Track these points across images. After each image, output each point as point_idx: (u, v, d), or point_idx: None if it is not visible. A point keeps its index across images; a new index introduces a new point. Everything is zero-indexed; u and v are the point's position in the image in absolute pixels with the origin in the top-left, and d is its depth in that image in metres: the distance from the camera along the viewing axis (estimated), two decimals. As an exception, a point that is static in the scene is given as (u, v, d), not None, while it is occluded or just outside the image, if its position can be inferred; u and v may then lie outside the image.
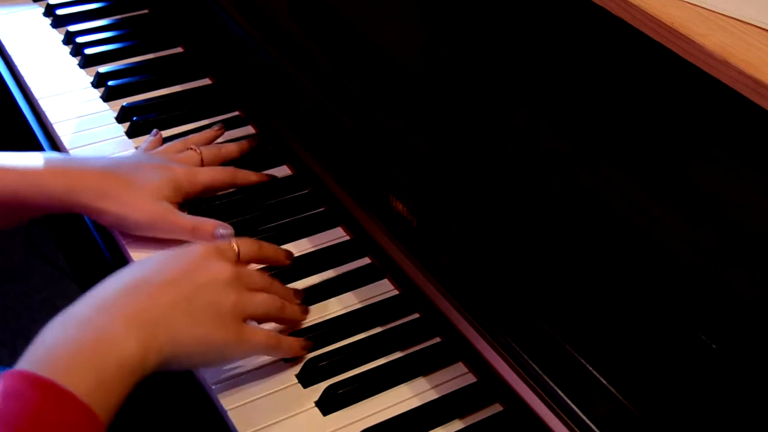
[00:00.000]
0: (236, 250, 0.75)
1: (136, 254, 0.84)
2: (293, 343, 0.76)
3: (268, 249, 0.80)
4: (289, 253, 0.82)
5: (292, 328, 0.79)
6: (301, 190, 0.93)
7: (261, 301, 0.73)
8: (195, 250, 0.73)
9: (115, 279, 0.69)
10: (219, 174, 0.89)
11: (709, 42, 0.62)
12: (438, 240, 0.75)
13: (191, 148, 0.91)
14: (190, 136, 0.95)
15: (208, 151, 0.91)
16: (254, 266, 0.80)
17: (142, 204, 0.83)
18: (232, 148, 0.94)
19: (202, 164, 0.90)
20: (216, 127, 0.96)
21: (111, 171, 0.84)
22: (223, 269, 0.71)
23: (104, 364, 0.62)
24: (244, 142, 0.95)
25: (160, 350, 0.66)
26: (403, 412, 0.73)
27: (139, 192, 0.83)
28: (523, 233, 0.70)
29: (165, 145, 0.93)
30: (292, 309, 0.77)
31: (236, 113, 1.02)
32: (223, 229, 0.83)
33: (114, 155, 0.96)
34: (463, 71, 0.80)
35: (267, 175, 0.93)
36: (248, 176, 0.91)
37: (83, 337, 0.63)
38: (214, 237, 0.83)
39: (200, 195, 0.88)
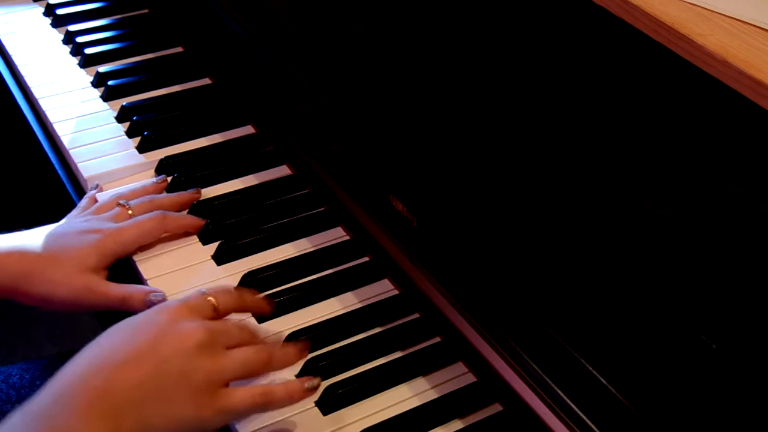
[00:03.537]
0: (213, 303, 0.69)
1: (140, 257, 0.85)
2: (291, 389, 0.68)
3: (248, 298, 0.74)
4: (270, 301, 0.76)
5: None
6: (301, 190, 0.93)
7: (241, 359, 0.66)
8: (162, 313, 0.66)
9: (78, 359, 0.63)
10: (146, 225, 0.83)
11: (709, 42, 0.62)
12: (438, 240, 0.75)
13: (120, 204, 0.85)
14: (123, 190, 0.89)
15: (138, 207, 0.85)
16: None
17: (68, 279, 0.77)
18: (167, 202, 0.87)
19: None
20: (158, 180, 0.91)
21: (31, 248, 0.79)
22: (194, 332, 0.64)
23: None
24: (184, 194, 0.89)
25: None
26: (403, 412, 0.73)
27: (63, 267, 0.78)
28: (523, 233, 0.70)
29: (95, 206, 0.87)
30: (283, 355, 0.70)
31: (236, 113, 1.02)
32: (154, 295, 0.78)
33: (115, 154, 0.96)
34: (464, 70, 0.80)
35: (201, 219, 0.87)
36: (179, 221, 0.86)
37: None
38: (145, 305, 0.78)
39: (134, 252, 0.84)
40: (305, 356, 0.73)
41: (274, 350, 0.69)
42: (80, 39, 1.12)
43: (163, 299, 0.79)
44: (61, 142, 0.97)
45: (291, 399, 0.68)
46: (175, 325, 0.65)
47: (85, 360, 0.63)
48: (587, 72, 0.73)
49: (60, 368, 0.63)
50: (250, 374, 0.68)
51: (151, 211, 0.85)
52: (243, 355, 0.66)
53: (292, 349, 0.71)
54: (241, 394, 0.65)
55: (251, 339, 0.69)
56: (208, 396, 0.63)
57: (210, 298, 0.69)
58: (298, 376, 0.75)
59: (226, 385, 0.65)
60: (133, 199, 0.87)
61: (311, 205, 0.91)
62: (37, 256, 0.79)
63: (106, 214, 0.85)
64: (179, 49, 1.13)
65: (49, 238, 0.81)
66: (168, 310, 0.66)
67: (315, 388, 0.69)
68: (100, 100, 1.04)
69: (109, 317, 0.90)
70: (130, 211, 0.85)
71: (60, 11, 1.16)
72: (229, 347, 0.66)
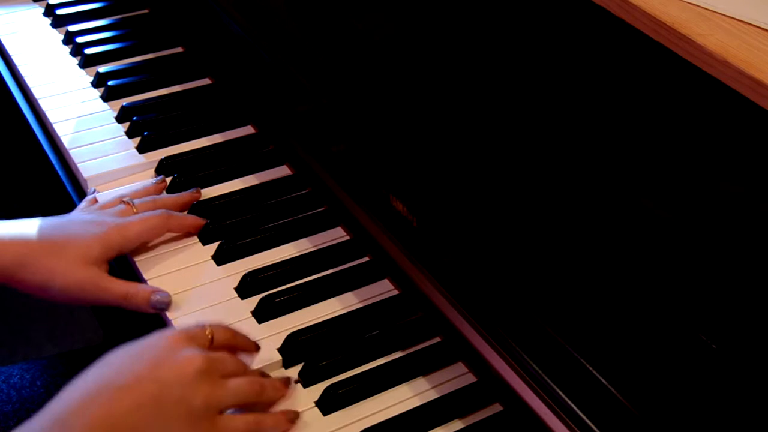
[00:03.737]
0: (209, 336, 0.70)
1: (140, 258, 0.85)
2: (278, 418, 0.70)
3: (241, 338, 0.74)
4: (257, 345, 0.76)
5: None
6: (301, 190, 0.93)
7: (236, 388, 0.68)
8: (162, 339, 0.67)
9: (78, 383, 0.63)
10: (151, 222, 0.83)
11: (709, 42, 0.62)
12: (438, 240, 0.75)
13: (124, 202, 0.85)
14: (124, 190, 0.90)
15: (142, 205, 0.85)
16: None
17: (69, 269, 0.77)
18: (169, 202, 0.88)
19: None
20: (157, 180, 0.91)
21: (32, 237, 0.78)
22: (193, 359, 0.65)
23: None
24: (185, 194, 0.90)
25: None
26: (403, 412, 0.73)
27: (65, 257, 0.77)
28: (523, 233, 0.70)
29: (98, 204, 0.87)
30: (273, 387, 0.72)
31: (236, 113, 1.02)
32: (160, 295, 0.79)
33: (115, 154, 0.96)
34: (464, 71, 0.80)
35: (203, 219, 0.88)
36: (182, 221, 0.86)
37: None
38: (149, 303, 0.78)
39: (136, 248, 0.84)
40: (288, 390, 0.74)
41: (265, 382, 0.71)
42: (80, 39, 1.12)
43: (168, 299, 0.79)
44: (61, 142, 0.97)
45: (278, 426, 0.70)
46: (175, 351, 0.66)
47: (85, 384, 0.63)
48: (587, 72, 0.73)
49: (60, 368, 0.63)
50: (244, 402, 0.69)
51: (155, 209, 0.86)
52: (238, 384, 0.68)
53: (280, 383, 0.73)
54: (236, 420, 0.67)
55: (245, 370, 0.71)
56: (205, 421, 0.65)
57: (208, 330, 0.71)
58: (300, 375, 0.75)
59: (221, 412, 0.67)
60: (135, 198, 0.87)
61: (311, 205, 0.91)
62: (38, 243, 0.78)
63: (111, 210, 0.85)
64: (179, 49, 1.13)
65: (53, 226, 0.80)
66: (167, 337, 0.67)
67: (296, 417, 0.71)
68: (100, 100, 1.04)
69: (108, 316, 0.90)
70: (134, 209, 0.85)
71: (60, 11, 1.16)
72: (224, 376, 0.68)
